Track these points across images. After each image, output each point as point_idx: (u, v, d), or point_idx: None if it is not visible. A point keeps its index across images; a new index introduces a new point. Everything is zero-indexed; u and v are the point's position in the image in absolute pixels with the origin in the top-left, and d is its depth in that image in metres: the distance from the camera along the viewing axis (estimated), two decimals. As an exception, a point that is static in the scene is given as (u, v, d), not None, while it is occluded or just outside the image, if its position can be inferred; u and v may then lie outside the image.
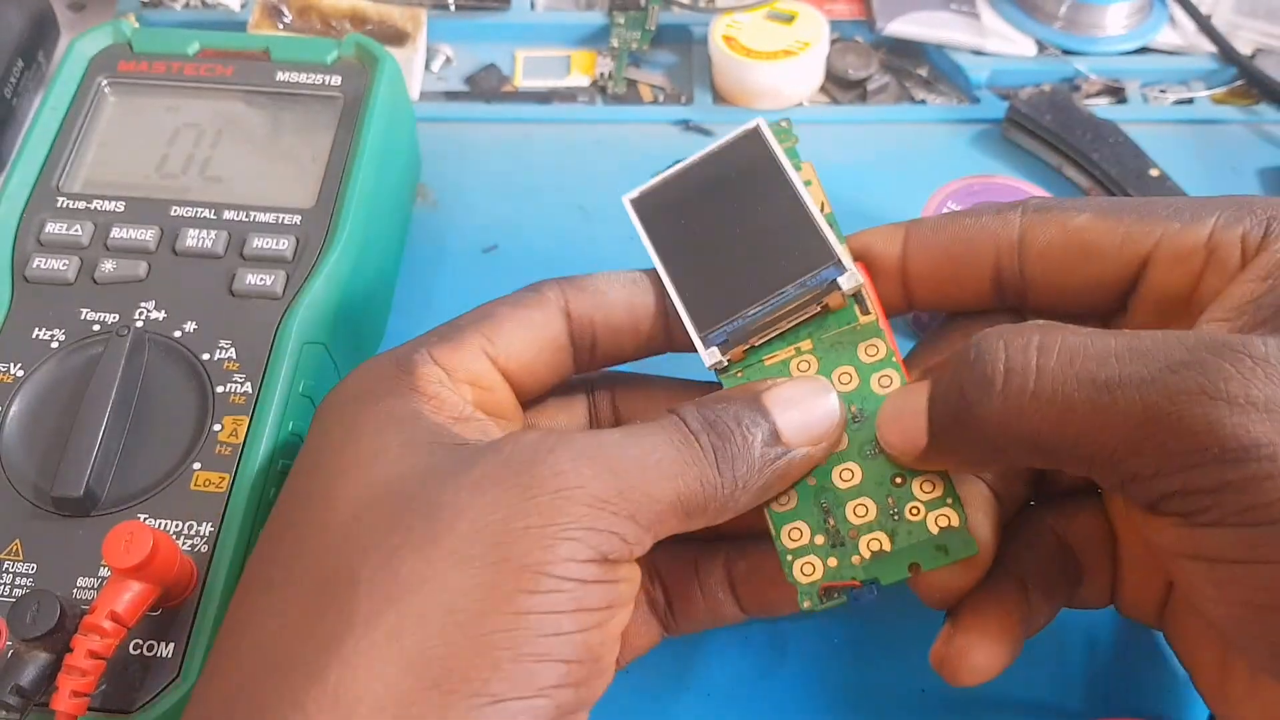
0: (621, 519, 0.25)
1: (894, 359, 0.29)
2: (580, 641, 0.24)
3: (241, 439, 0.33)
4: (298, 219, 0.37)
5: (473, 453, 0.26)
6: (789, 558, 0.28)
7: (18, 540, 0.31)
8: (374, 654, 0.23)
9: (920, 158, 0.49)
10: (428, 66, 0.53)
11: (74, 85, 0.40)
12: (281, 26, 0.51)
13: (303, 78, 0.41)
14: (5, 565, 0.31)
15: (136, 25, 0.42)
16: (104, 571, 0.31)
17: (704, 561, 0.32)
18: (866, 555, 0.28)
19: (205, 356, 0.35)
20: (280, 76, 0.41)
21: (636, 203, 0.32)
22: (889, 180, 0.47)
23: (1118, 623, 0.37)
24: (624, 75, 0.52)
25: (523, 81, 0.52)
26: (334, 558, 0.24)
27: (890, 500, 0.28)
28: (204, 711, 0.25)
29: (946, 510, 0.28)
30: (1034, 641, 0.36)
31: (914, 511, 0.28)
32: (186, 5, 0.54)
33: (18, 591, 0.30)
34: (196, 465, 0.33)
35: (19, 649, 0.27)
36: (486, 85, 0.52)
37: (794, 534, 0.28)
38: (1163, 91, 0.52)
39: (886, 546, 0.28)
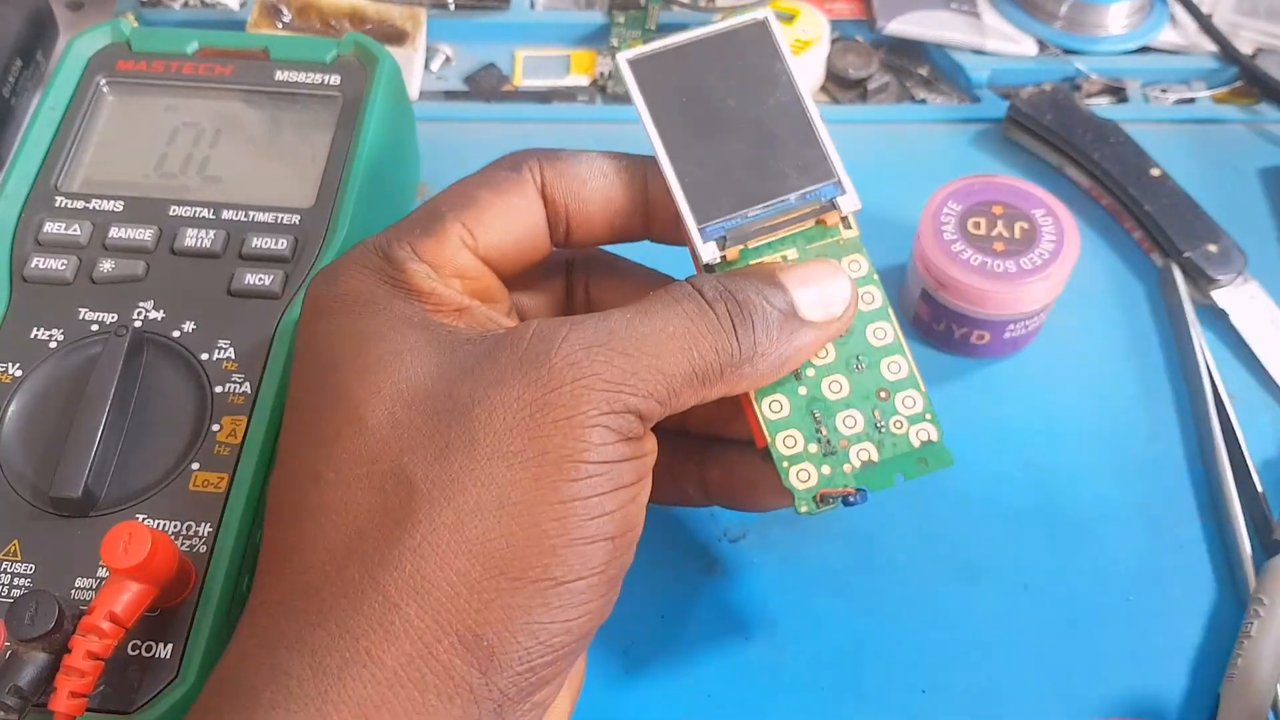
0: (640, 398, 0.26)
1: (874, 276, 0.30)
2: (621, 517, 0.26)
3: (240, 439, 0.33)
4: (296, 218, 0.37)
5: (491, 346, 0.26)
6: (785, 464, 0.29)
7: (16, 541, 0.31)
8: (441, 545, 0.24)
9: (921, 157, 0.49)
10: (427, 66, 0.53)
11: (73, 84, 0.40)
12: (281, 26, 0.51)
13: (302, 77, 0.41)
14: (4, 566, 0.31)
15: (136, 24, 0.42)
16: (102, 572, 0.31)
17: (679, 461, 0.34)
18: (857, 464, 0.29)
19: (204, 356, 0.34)
20: (279, 76, 0.41)
21: (635, 65, 0.31)
22: (889, 180, 0.47)
23: (1115, 624, 0.37)
24: (624, 75, 0.52)
25: (522, 81, 0.52)
26: (383, 457, 0.25)
27: (876, 414, 0.29)
28: (285, 593, 0.25)
29: (927, 425, 0.29)
30: (1034, 642, 0.36)
31: (898, 425, 0.29)
32: (185, 5, 0.53)
33: (16, 592, 0.30)
34: (195, 465, 0.33)
35: (17, 649, 0.27)
36: (486, 85, 0.52)
37: (789, 441, 0.29)
38: (1164, 91, 0.52)
39: (874, 457, 0.29)
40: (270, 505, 0.27)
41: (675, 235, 0.30)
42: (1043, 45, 0.52)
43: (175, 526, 0.32)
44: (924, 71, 0.52)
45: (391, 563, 0.24)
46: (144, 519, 0.32)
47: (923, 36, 0.52)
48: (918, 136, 0.49)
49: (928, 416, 0.29)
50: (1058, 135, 0.48)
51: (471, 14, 0.54)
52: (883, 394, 0.29)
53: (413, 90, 0.51)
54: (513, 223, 0.30)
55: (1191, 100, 0.51)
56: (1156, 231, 0.45)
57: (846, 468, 0.29)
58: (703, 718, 0.35)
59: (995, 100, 0.51)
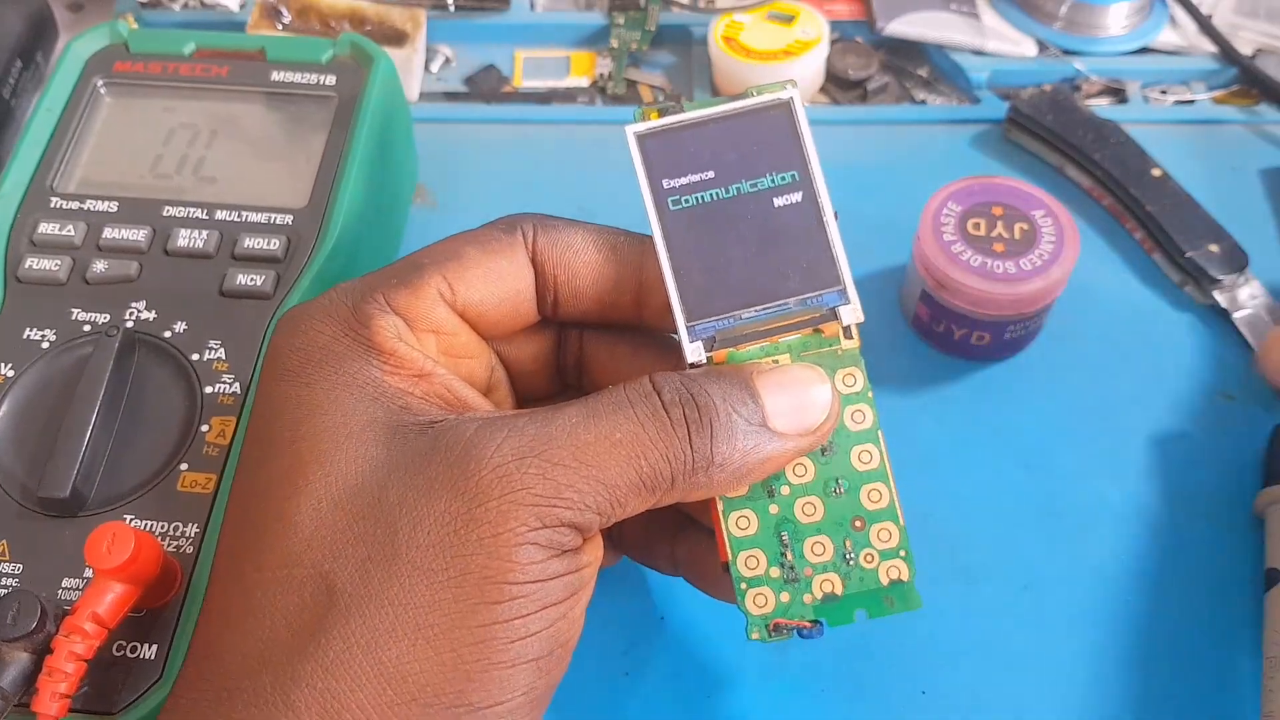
0: (575, 511, 0.24)
1: (869, 394, 0.29)
2: (548, 636, 0.25)
3: (229, 440, 0.33)
4: (289, 219, 0.37)
5: (429, 445, 0.25)
6: (743, 585, 0.28)
7: (4, 540, 0.31)
8: (354, 665, 0.23)
9: (921, 158, 0.48)
10: (427, 67, 0.52)
11: (70, 85, 0.40)
12: (280, 27, 0.51)
13: (298, 77, 0.41)
14: None
15: (135, 26, 0.42)
16: (89, 572, 0.30)
17: (652, 530, 0.32)
18: (819, 595, 0.28)
19: (195, 357, 0.34)
20: (275, 76, 0.41)
21: (642, 140, 0.29)
22: (889, 181, 0.47)
23: (1115, 625, 0.36)
24: (624, 76, 0.52)
25: (522, 82, 0.52)
26: (305, 561, 0.24)
27: (848, 543, 0.28)
28: (201, 694, 0.24)
29: (899, 563, 0.28)
30: (1034, 642, 0.36)
31: (868, 559, 0.28)
32: (185, 6, 0.53)
33: (2, 591, 0.30)
34: (184, 466, 0.32)
35: (0, 649, 0.27)
36: (486, 86, 0.52)
37: (751, 561, 0.28)
38: (1163, 92, 0.51)
39: (838, 590, 0.28)
40: (207, 592, 0.27)
41: (667, 322, 0.29)
42: (1042, 46, 0.52)
43: (162, 527, 0.31)
44: (924, 72, 0.52)
45: (303, 678, 0.23)
46: (131, 519, 0.32)
47: (923, 37, 0.52)
48: (918, 137, 0.49)
49: (902, 554, 0.28)
50: (1058, 136, 0.47)
51: (471, 15, 0.54)
52: (858, 523, 0.28)
53: (413, 91, 0.51)
54: (497, 284, 0.29)
55: (1191, 101, 0.51)
56: (1158, 232, 0.45)
57: (807, 598, 0.28)
58: (703, 718, 0.35)
59: (995, 101, 0.50)
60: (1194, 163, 0.48)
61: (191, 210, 0.37)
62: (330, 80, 0.41)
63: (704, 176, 0.29)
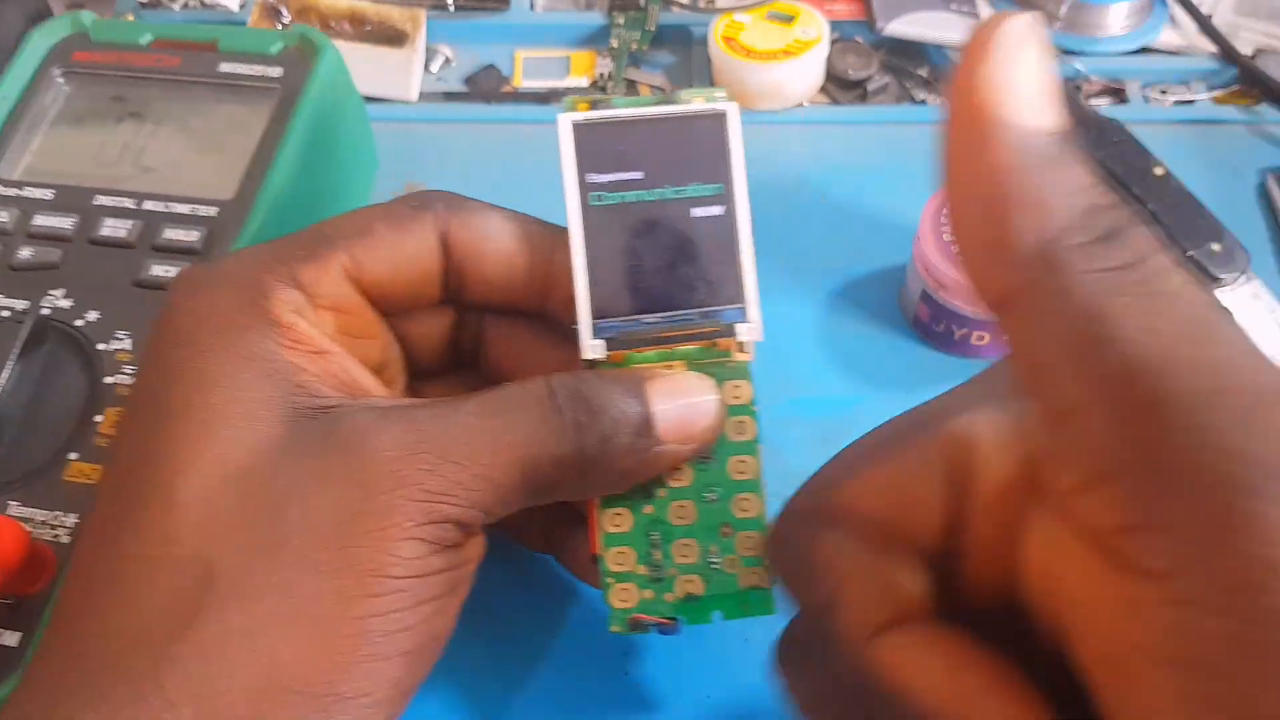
0: (463, 508, 0.25)
1: (753, 407, 0.29)
2: (423, 630, 0.25)
3: None
4: (215, 210, 0.37)
5: (321, 431, 0.25)
6: (610, 580, 0.28)
7: None
8: (229, 652, 0.23)
9: (921, 158, 0.48)
10: (427, 67, 0.52)
11: (28, 74, 0.41)
12: (280, 28, 0.51)
13: (245, 69, 0.41)
14: None
15: (98, 16, 0.43)
16: None
17: (531, 508, 0.32)
18: (680, 594, 0.29)
19: (100, 347, 0.34)
20: (224, 68, 0.41)
21: (577, 129, 0.29)
22: (889, 181, 0.47)
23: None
24: (624, 76, 0.52)
25: (522, 82, 0.52)
26: (187, 541, 0.24)
27: (714, 549, 0.29)
28: (65, 665, 0.24)
29: (760, 570, 0.29)
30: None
31: (731, 564, 0.29)
32: (185, 6, 0.53)
33: None
34: (73, 455, 0.32)
35: None
36: (486, 86, 0.52)
37: (620, 558, 0.28)
38: (1163, 92, 0.51)
39: (699, 591, 0.29)
40: (74, 558, 0.26)
41: (570, 315, 0.29)
42: (1043, 46, 0.52)
43: (44, 515, 0.31)
44: (924, 72, 0.52)
45: (177, 660, 0.23)
46: (16, 505, 0.31)
47: (922, 37, 0.52)
48: (918, 137, 0.49)
49: (764, 563, 0.29)
50: (1058, 135, 0.47)
51: (471, 15, 0.54)
52: (726, 530, 0.29)
53: (412, 91, 0.51)
54: (404, 263, 0.28)
55: (1191, 101, 0.51)
56: (1159, 230, 0.45)
57: (669, 596, 0.28)
58: (703, 717, 0.35)
59: (995, 101, 0.50)
60: (1194, 163, 0.48)
61: (121, 200, 0.38)
62: (276, 72, 0.41)
63: (631, 176, 0.29)
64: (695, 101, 0.29)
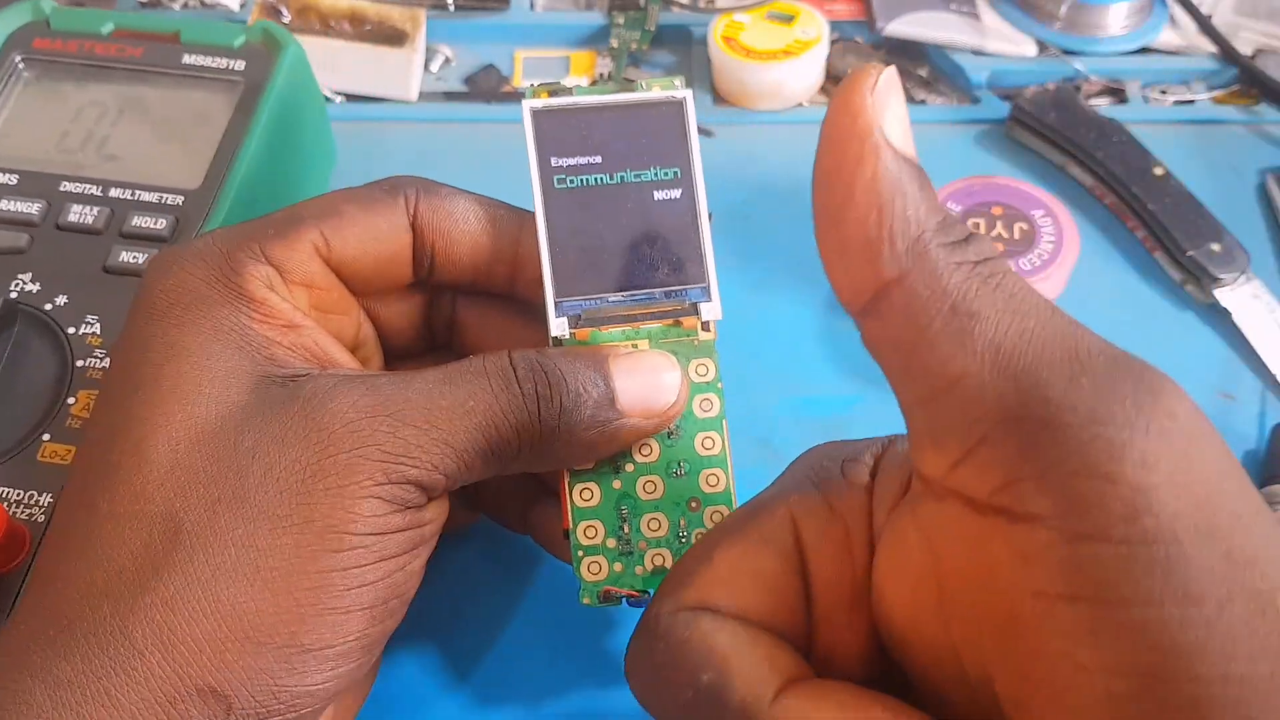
0: (422, 470, 0.25)
1: (719, 385, 0.30)
2: (385, 586, 0.26)
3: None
4: (180, 199, 0.38)
5: (286, 396, 0.26)
6: (580, 553, 0.29)
7: None
8: (193, 602, 0.24)
9: (920, 158, 0.48)
10: (427, 67, 0.52)
11: None
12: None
13: (208, 61, 0.41)
14: None
15: (57, 4, 0.43)
16: None
17: (509, 490, 0.33)
18: (649, 568, 0.29)
19: (71, 330, 0.35)
20: (186, 59, 0.41)
21: (537, 116, 0.30)
22: (889, 180, 0.47)
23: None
24: (624, 76, 0.52)
25: (522, 82, 0.52)
26: (156, 498, 0.25)
27: (682, 522, 0.29)
28: (41, 621, 0.25)
29: None
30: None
31: (699, 538, 0.29)
32: (185, 5, 0.53)
33: None
34: (46, 436, 0.33)
35: None
36: (486, 86, 0.52)
37: (590, 531, 0.29)
38: (1163, 92, 0.51)
39: (668, 564, 0.29)
40: (53, 523, 0.27)
41: (538, 295, 0.30)
42: (1042, 46, 0.52)
43: (18, 495, 0.32)
44: (924, 72, 0.52)
45: (142, 610, 0.24)
46: None
47: (922, 37, 0.52)
48: (917, 137, 0.48)
49: None
50: (1061, 134, 0.47)
51: (471, 15, 0.54)
52: (694, 504, 0.29)
53: (412, 91, 0.51)
54: (374, 243, 0.29)
55: (1191, 101, 0.51)
56: (1159, 230, 0.45)
57: (639, 569, 0.29)
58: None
59: (995, 101, 0.50)
60: (1194, 163, 0.48)
61: (88, 187, 0.38)
62: (239, 65, 0.41)
63: (591, 160, 0.30)
64: (654, 89, 0.30)
